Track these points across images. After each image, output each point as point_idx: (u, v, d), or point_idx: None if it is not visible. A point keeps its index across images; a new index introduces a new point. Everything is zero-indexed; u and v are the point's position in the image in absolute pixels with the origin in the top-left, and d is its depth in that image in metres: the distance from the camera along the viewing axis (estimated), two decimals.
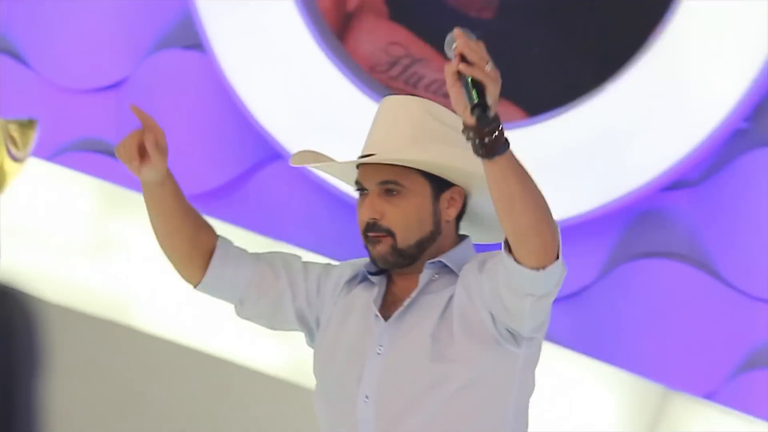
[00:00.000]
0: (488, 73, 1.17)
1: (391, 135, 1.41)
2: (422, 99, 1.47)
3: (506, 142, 1.20)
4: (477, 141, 1.18)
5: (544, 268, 1.23)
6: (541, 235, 1.24)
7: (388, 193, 1.37)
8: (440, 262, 1.36)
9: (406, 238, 1.37)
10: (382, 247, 1.35)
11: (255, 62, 3.13)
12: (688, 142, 2.72)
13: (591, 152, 2.82)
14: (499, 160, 1.20)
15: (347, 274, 1.43)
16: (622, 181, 2.73)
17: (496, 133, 1.18)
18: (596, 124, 2.82)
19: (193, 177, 2.96)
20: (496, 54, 1.19)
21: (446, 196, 1.39)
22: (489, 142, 1.18)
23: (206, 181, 3.14)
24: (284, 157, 2.98)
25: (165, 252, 1.44)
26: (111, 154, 2.71)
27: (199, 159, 3.14)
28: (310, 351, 1.43)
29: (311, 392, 1.40)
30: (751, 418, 2.72)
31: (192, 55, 3.18)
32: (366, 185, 1.38)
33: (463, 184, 1.39)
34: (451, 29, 1.17)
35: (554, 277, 1.26)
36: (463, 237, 1.42)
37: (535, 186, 1.24)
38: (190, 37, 3.16)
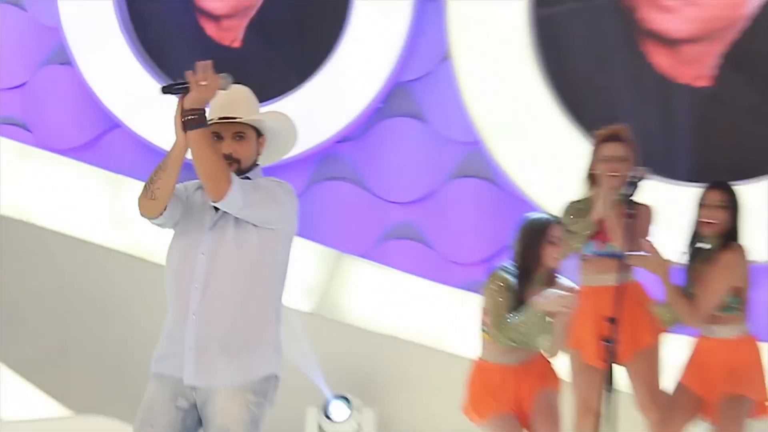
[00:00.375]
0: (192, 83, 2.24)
1: (239, 106, 2.39)
2: (246, 87, 2.45)
3: (198, 125, 2.23)
4: (183, 119, 2.24)
5: (222, 198, 2.26)
6: (213, 180, 2.25)
7: (239, 138, 2.38)
8: (248, 177, 2.38)
9: (246, 163, 2.40)
10: (232, 169, 2.32)
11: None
12: (351, 114, 4.83)
13: None
14: (190, 134, 2.24)
15: (194, 184, 2.45)
16: (315, 136, 4.77)
17: (191, 116, 2.23)
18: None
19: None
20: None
21: (260, 140, 2.44)
22: (186, 122, 2.24)
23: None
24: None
25: (154, 198, 2.32)
26: None
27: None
28: None
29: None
30: (393, 270, 4.80)
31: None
32: (223, 134, 2.37)
33: (266, 134, 2.45)
34: None
35: (236, 201, 2.25)
36: (255, 165, 2.45)
37: (212, 151, 2.24)
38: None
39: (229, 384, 2.36)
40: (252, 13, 5.33)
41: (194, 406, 2.40)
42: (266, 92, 4.28)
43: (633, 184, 3.21)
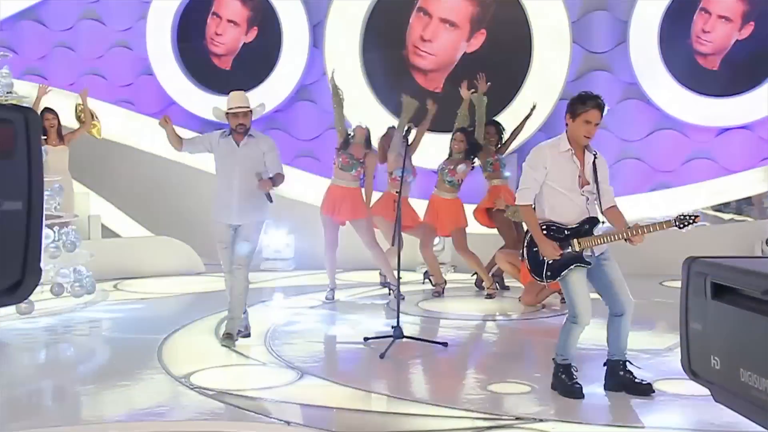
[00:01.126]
0: None
1: (244, 101, 6.38)
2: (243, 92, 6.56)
3: None
4: None
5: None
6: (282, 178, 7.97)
7: (245, 116, 6.33)
8: (250, 135, 6.34)
9: (249, 126, 6.37)
10: (244, 133, 6.35)
11: None
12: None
13: None
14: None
15: (215, 136, 6.46)
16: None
17: None
18: None
19: None
20: None
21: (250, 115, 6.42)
22: None
23: None
24: None
25: (171, 144, 6.43)
26: None
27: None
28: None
29: None
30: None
31: None
32: (239, 115, 6.26)
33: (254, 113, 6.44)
34: None
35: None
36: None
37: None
38: None
39: (252, 221, 6.46)
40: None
41: (235, 230, 6.36)
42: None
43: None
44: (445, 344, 6.39)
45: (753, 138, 9.77)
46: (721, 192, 9.99)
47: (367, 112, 10.01)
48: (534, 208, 5.10)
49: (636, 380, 5.15)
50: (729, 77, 9.82)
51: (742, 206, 12.84)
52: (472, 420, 4.66)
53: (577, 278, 4.98)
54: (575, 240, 4.96)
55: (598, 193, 5.05)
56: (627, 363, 5.19)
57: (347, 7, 10.55)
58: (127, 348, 6.46)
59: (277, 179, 6.34)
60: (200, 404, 4.93)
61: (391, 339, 6.18)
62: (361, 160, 8.13)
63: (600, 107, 4.99)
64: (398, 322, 6.28)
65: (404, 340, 6.27)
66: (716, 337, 1.56)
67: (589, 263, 4.98)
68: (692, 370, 1.70)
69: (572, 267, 4.96)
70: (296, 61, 10.64)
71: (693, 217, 4.76)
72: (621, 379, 5.16)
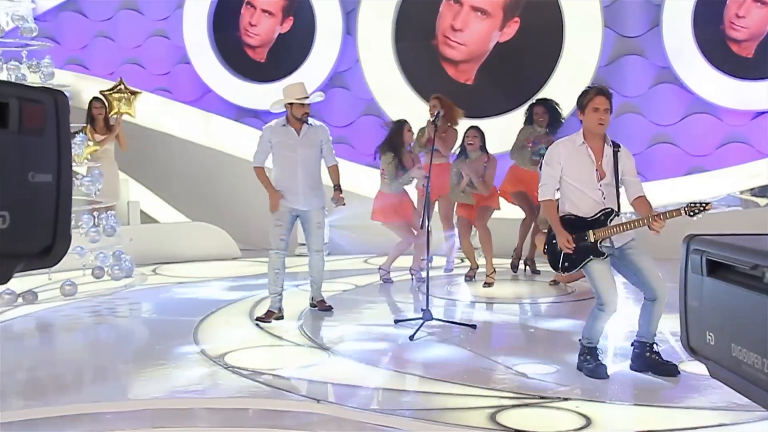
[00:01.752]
0: None
1: (306, 91, 6.71)
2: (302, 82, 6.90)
3: None
4: None
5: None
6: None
7: (308, 106, 6.67)
8: (310, 124, 6.79)
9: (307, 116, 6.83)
10: (304, 121, 6.71)
11: None
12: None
13: None
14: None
15: (271, 128, 6.78)
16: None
17: None
18: None
19: None
20: None
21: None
22: None
23: None
24: None
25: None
26: None
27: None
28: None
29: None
30: None
31: None
32: (302, 103, 6.60)
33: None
34: None
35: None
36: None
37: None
38: None
39: (318, 207, 6.81)
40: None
41: (295, 217, 6.82)
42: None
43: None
44: (474, 326, 6.49)
45: None
46: (757, 175, 9.92)
47: (402, 103, 10.12)
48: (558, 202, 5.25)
49: (662, 361, 5.21)
50: (765, 62, 9.73)
51: None
52: (498, 399, 4.76)
53: (599, 269, 5.08)
54: (591, 231, 5.07)
55: (617, 184, 5.13)
56: (654, 345, 5.25)
57: None
58: (164, 329, 6.65)
59: (338, 180, 6.82)
60: (234, 383, 5.10)
61: (421, 321, 6.29)
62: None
63: (603, 92, 5.07)
64: (427, 305, 6.39)
65: (434, 322, 6.38)
66: (711, 314, 1.59)
67: (604, 254, 5.08)
68: (691, 347, 1.73)
69: (590, 258, 5.07)
70: (330, 49, 10.76)
71: (704, 205, 4.80)
72: (647, 360, 5.22)
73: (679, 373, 5.14)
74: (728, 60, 9.81)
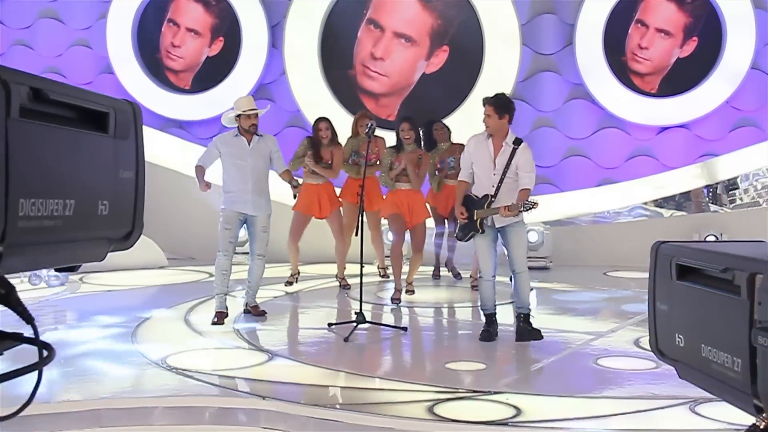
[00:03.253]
0: None
1: (254, 104, 7.12)
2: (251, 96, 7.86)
3: None
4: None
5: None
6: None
7: (256, 117, 7.03)
8: (257, 133, 7.11)
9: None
10: (254, 133, 7.06)
11: None
12: None
13: None
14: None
15: (223, 137, 7.20)
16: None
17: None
18: None
19: None
20: None
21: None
22: None
23: None
24: None
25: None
26: None
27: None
28: None
29: None
30: None
31: None
32: (250, 115, 6.97)
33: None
34: None
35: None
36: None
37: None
38: None
39: (265, 213, 7.34)
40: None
41: (242, 222, 7.11)
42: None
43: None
44: (404, 329, 6.79)
45: (690, 136, 10.36)
46: (662, 187, 10.57)
47: (330, 115, 10.36)
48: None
49: (529, 328, 6.28)
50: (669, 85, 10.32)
51: (682, 201, 13.52)
52: (434, 393, 5.06)
53: (478, 243, 6.32)
54: (476, 211, 6.24)
55: (507, 174, 6.15)
56: (527, 316, 6.29)
57: (306, 8, 10.85)
58: (103, 334, 6.72)
59: (291, 179, 7.24)
60: (179, 383, 5.25)
61: (354, 324, 6.56)
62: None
63: (486, 102, 6.24)
64: (361, 308, 6.66)
65: (366, 325, 6.65)
66: (680, 316, 1.64)
67: (481, 230, 6.22)
68: (659, 349, 1.74)
69: (471, 233, 6.28)
70: (256, 61, 10.94)
71: (533, 203, 5.95)
72: (519, 328, 6.32)
73: (542, 337, 6.24)
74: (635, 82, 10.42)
